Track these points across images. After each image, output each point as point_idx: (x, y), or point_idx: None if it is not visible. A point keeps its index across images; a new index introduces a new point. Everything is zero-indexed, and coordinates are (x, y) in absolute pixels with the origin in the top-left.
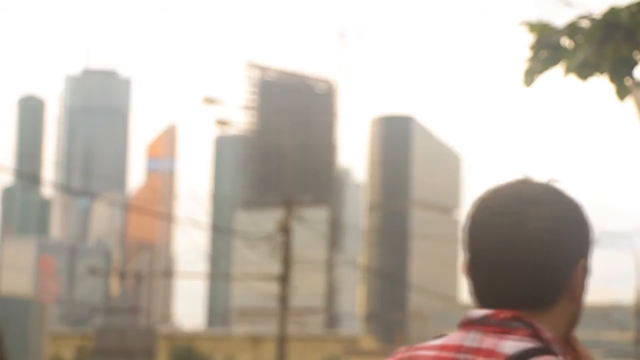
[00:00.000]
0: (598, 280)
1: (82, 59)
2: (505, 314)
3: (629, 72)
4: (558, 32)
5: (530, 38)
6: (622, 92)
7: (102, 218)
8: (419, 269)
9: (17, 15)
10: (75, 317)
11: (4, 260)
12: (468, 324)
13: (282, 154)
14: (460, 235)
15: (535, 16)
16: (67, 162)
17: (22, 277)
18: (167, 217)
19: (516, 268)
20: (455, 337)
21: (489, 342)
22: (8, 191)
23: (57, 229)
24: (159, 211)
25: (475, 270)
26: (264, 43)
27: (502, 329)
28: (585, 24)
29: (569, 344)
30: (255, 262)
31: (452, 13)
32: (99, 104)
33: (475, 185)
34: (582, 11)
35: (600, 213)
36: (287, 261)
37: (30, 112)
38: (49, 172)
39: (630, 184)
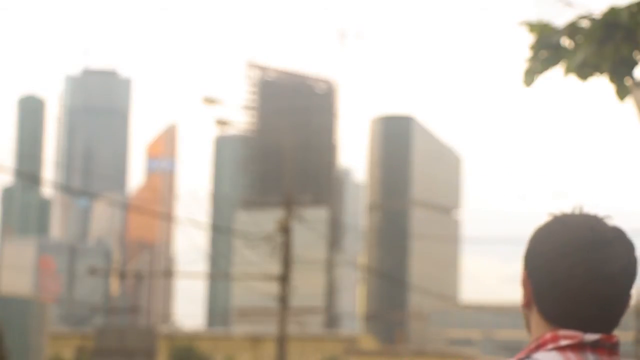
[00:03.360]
0: None
1: (82, 59)
2: (614, 338)
3: (629, 72)
4: (558, 32)
5: (530, 38)
6: (622, 92)
7: (102, 218)
8: (419, 269)
9: (17, 15)
10: (75, 317)
11: (4, 260)
12: (579, 346)
13: (282, 154)
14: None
15: (535, 16)
16: (67, 162)
17: (22, 277)
18: (167, 217)
19: (617, 299)
20: (573, 357)
21: None
22: (8, 191)
23: (57, 229)
24: (159, 211)
25: (567, 297)
26: (264, 43)
27: (611, 351)
28: (585, 24)
29: None
30: (255, 262)
31: (452, 13)
32: (99, 104)
33: (475, 185)
34: (582, 11)
35: (600, 213)
36: (287, 261)
37: (30, 112)
38: (49, 172)
39: (630, 184)
